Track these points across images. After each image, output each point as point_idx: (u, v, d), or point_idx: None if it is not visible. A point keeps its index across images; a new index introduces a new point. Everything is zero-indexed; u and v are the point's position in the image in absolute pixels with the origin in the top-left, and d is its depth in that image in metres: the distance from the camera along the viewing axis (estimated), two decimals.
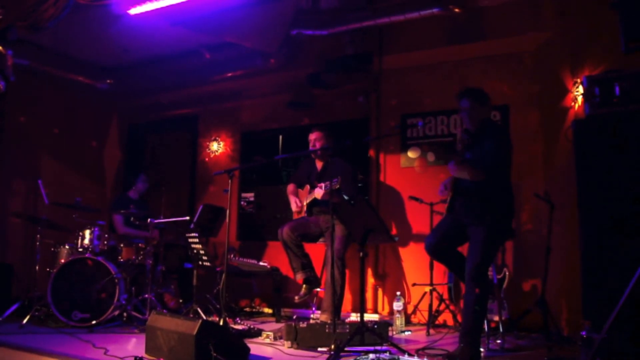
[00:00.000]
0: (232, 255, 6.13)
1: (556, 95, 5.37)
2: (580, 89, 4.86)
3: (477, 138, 3.99)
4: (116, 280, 5.26)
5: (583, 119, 4.03)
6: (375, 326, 4.28)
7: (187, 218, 5.86)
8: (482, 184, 3.87)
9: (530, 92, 5.81)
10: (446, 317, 5.62)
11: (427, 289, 5.55)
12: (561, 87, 5.29)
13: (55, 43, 6.89)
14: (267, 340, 4.56)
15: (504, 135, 4.06)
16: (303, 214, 5.60)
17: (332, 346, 3.91)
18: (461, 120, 4.18)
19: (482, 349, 3.93)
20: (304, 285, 5.50)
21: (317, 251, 5.97)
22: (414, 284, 5.87)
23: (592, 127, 3.85)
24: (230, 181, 4.75)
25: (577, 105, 5.01)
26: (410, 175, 6.33)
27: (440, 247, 4.09)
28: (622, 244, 3.60)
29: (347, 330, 4.17)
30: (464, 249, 4.10)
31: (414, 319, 5.83)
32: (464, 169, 3.88)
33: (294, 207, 5.70)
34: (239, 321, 5.54)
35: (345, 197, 4.82)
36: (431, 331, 5.18)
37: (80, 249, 5.57)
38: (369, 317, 5.93)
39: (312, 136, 5.64)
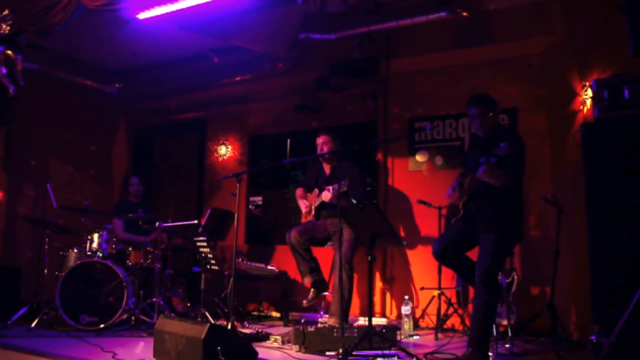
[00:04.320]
0: (240, 259, 6.13)
1: (564, 98, 5.35)
2: (589, 92, 4.85)
3: (489, 143, 3.95)
4: (124, 284, 5.27)
5: (592, 122, 4.02)
6: (384, 330, 4.28)
7: (196, 222, 5.87)
8: (496, 190, 3.83)
9: (538, 95, 5.78)
10: (454, 321, 5.60)
11: (436, 292, 5.53)
12: (569, 90, 5.27)
13: (64, 47, 6.94)
14: (275, 344, 4.55)
15: (523, 143, 3.97)
16: (311, 217, 5.60)
17: (340, 350, 3.89)
18: (470, 126, 4.15)
19: (490, 354, 3.91)
20: (312, 289, 5.50)
21: (325, 255, 5.96)
22: (422, 288, 5.86)
23: (600, 131, 3.84)
24: (238, 185, 4.76)
25: (585, 109, 4.99)
26: (419, 179, 6.31)
27: (448, 253, 4.08)
28: (631, 247, 3.58)
29: (355, 334, 4.17)
30: (471, 254, 4.09)
31: (422, 323, 5.81)
32: (497, 175, 3.76)
33: (303, 208, 5.72)
34: (246, 325, 5.55)
35: (353, 201, 4.82)
36: (439, 335, 5.15)
37: (89, 253, 5.58)
38: (377, 321, 5.92)
39: (320, 140, 5.64)
